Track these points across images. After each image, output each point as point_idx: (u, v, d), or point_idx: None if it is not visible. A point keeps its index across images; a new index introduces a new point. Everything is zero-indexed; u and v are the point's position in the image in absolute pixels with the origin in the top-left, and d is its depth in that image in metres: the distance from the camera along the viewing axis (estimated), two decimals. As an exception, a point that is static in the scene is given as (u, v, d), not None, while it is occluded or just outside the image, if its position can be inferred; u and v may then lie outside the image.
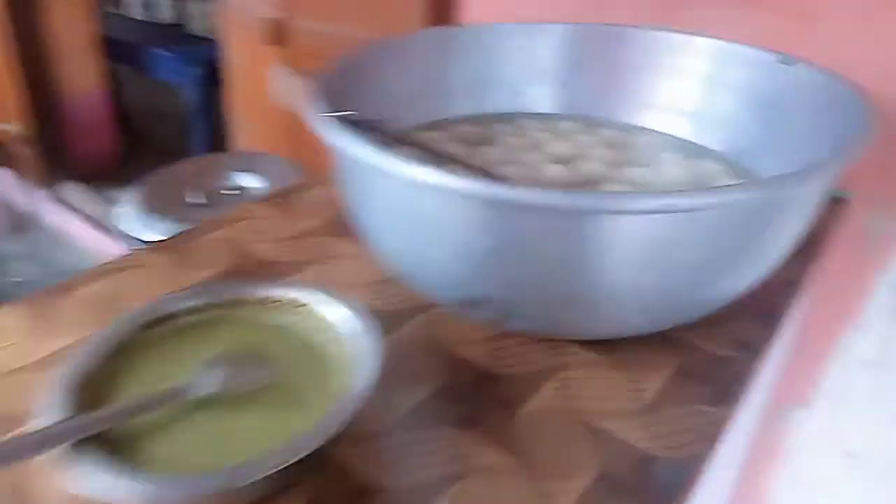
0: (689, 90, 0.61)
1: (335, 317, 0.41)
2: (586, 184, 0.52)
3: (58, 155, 2.32)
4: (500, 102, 0.65)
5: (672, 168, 0.55)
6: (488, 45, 0.64)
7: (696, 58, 0.59)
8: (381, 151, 0.36)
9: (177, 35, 2.40)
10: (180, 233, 0.61)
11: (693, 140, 0.60)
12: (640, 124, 0.63)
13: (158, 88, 2.42)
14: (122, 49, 2.30)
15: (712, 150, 0.58)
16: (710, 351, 0.45)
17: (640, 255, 0.36)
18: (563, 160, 0.56)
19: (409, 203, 0.39)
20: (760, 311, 0.48)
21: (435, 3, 0.82)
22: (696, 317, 0.43)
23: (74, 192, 2.33)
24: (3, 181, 2.42)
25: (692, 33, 0.59)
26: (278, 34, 1.01)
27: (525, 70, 0.65)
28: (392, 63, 0.59)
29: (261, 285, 0.44)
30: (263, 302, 0.44)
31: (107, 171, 2.40)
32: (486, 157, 0.56)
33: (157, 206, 0.89)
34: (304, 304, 0.43)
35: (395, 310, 0.49)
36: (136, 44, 2.28)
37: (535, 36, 0.64)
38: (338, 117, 0.40)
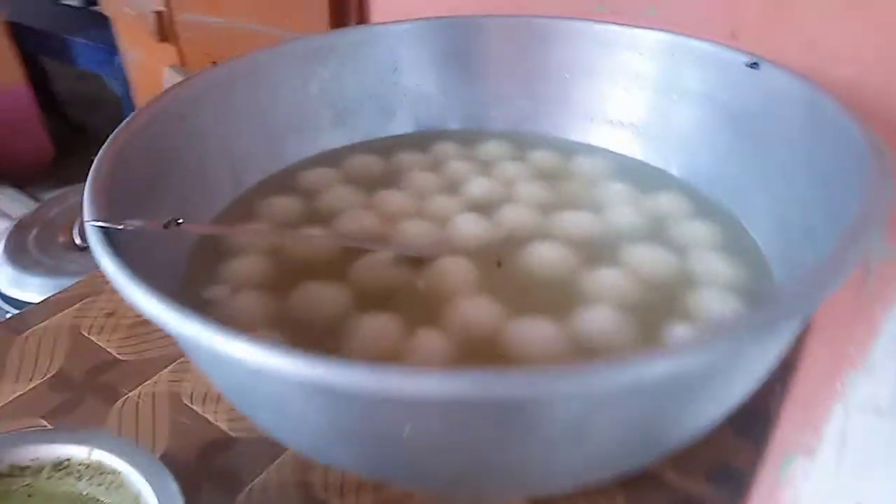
0: (635, 98, 0.48)
1: (153, 493, 0.29)
2: (508, 243, 0.40)
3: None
4: (405, 121, 0.52)
5: (623, 209, 0.43)
6: (384, 49, 0.50)
7: (642, 56, 0.46)
8: (170, 307, 0.23)
9: (91, 19, 2.18)
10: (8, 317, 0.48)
11: (646, 161, 0.48)
12: (580, 140, 0.51)
13: (86, 77, 2.23)
14: (37, 38, 2.09)
15: (671, 177, 0.46)
16: (680, 488, 0.33)
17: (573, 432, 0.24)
18: (483, 206, 0.43)
19: (227, 371, 0.27)
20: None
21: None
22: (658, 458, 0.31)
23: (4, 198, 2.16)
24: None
25: (633, 25, 0.46)
26: (165, 29, 0.86)
27: (434, 78, 0.52)
28: (250, 88, 0.45)
29: (59, 438, 0.32)
30: (59, 467, 0.31)
31: (41, 172, 2.22)
32: (383, 209, 0.43)
33: (23, 257, 0.75)
34: (113, 472, 0.31)
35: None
36: (51, 32, 2.07)
37: (441, 33, 0.51)
38: (113, 230, 0.27)
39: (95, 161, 0.32)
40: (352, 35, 0.51)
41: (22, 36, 2.07)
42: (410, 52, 0.51)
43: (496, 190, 0.45)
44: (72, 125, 2.44)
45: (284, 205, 0.44)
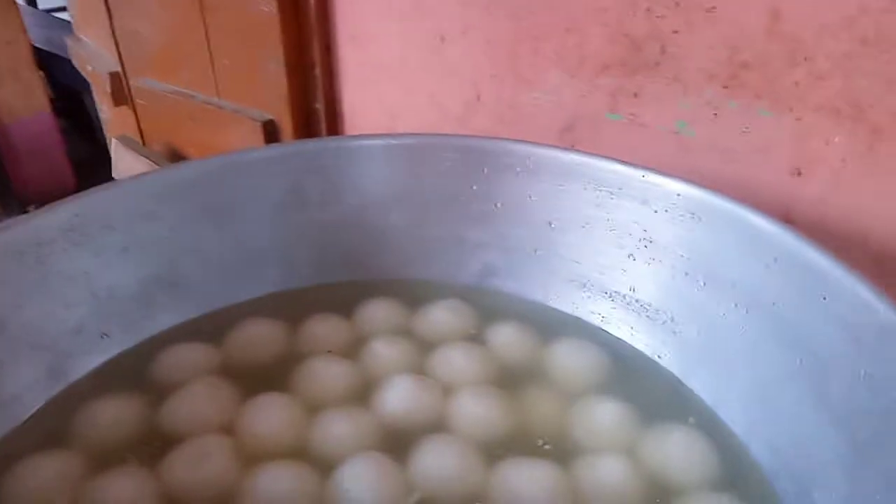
0: (643, 269, 0.33)
1: None
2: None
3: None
4: (329, 270, 0.38)
5: (608, 463, 0.28)
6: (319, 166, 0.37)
7: (656, 213, 0.32)
8: None
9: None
10: None
11: (654, 358, 0.33)
12: (564, 310, 0.36)
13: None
14: (65, 68, 2.05)
15: (689, 395, 0.31)
16: None
17: None
18: (397, 437, 0.29)
19: None
20: None
21: (297, 65, 0.56)
22: None
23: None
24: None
25: (648, 170, 0.32)
26: (121, 92, 0.75)
27: (375, 216, 0.38)
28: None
29: None
30: None
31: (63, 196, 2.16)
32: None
33: None
34: None
35: None
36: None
37: (378, 158, 0.37)
38: None
39: None
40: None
41: (54, 65, 2.03)
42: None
43: (424, 405, 0.31)
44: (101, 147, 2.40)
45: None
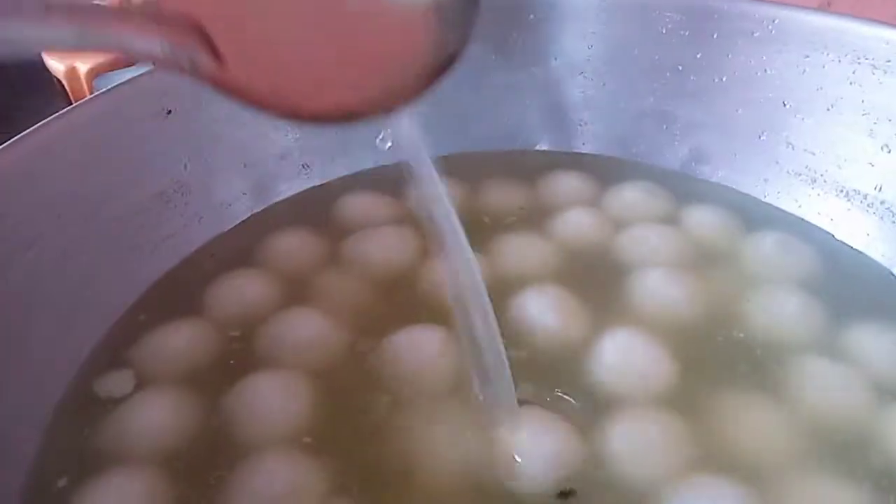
0: (869, 143, 0.27)
1: None
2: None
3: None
4: (521, 135, 0.36)
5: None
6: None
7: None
8: None
9: None
10: None
11: (884, 264, 0.27)
12: (774, 203, 0.31)
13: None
14: None
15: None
16: None
17: None
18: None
19: None
20: None
21: None
22: None
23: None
24: None
25: None
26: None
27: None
28: None
29: None
30: None
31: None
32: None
33: None
34: None
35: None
36: None
37: None
38: None
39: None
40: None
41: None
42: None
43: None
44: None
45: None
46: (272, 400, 0.23)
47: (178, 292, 0.28)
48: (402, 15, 0.16)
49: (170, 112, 0.29)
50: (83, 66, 0.38)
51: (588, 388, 0.23)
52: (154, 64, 0.17)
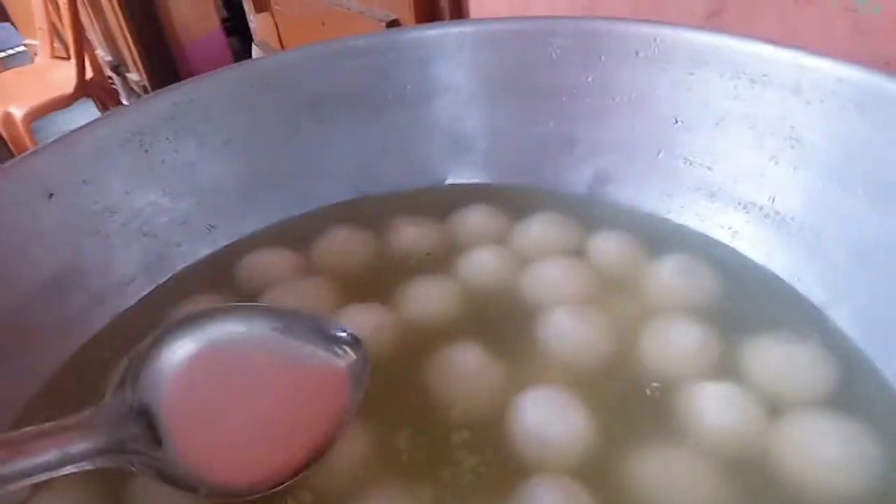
0: (788, 175, 0.27)
1: None
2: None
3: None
4: (420, 173, 0.36)
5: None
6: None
7: (809, 105, 0.26)
8: None
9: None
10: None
11: (783, 277, 0.28)
12: (676, 220, 0.31)
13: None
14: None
15: (832, 327, 0.26)
16: None
17: None
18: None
19: None
20: None
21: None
22: None
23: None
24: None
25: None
26: (260, 1, 0.76)
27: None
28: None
29: None
30: None
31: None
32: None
33: None
34: None
35: None
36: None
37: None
38: None
39: None
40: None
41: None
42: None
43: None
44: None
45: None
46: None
47: (82, 381, 0.28)
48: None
49: (52, 195, 0.28)
50: (18, 111, 0.37)
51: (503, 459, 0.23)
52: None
